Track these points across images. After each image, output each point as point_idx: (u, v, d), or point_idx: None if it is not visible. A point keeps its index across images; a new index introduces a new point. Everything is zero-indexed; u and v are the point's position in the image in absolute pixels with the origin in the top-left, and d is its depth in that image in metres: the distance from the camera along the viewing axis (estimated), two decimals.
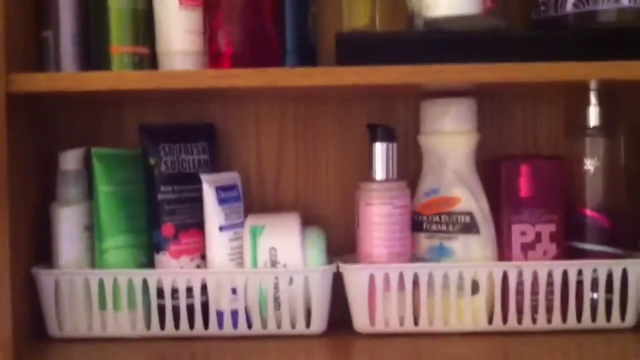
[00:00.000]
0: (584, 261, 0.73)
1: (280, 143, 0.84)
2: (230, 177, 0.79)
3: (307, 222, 0.80)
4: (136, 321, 0.74)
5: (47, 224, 0.76)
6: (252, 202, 0.83)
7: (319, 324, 0.74)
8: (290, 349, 0.72)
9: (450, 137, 0.76)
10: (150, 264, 0.77)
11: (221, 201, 0.75)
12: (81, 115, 0.84)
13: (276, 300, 0.73)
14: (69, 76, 0.71)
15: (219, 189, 0.75)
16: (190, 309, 0.74)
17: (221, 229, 0.74)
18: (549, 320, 0.73)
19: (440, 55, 0.68)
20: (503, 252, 0.75)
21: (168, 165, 0.77)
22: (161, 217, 0.76)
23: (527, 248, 0.74)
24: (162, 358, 0.70)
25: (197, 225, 0.76)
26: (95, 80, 0.69)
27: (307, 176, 0.84)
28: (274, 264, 0.73)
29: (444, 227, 0.75)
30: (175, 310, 0.74)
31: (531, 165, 0.75)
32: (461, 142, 0.76)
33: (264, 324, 0.74)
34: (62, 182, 0.77)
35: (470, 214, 0.74)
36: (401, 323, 0.74)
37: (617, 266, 0.73)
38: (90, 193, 0.76)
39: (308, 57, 0.77)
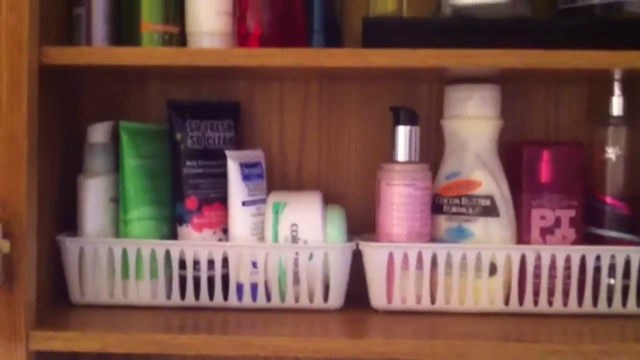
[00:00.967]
0: (603, 247, 0.74)
1: (303, 122, 0.85)
2: (254, 154, 0.80)
3: (328, 200, 0.82)
4: (157, 290, 0.76)
5: (71, 194, 0.77)
6: (275, 180, 0.84)
7: (336, 299, 0.75)
8: (307, 322, 0.73)
9: (473, 122, 0.77)
10: (172, 236, 0.78)
11: (245, 177, 0.76)
12: (106, 90, 0.85)
13: (295, 275, 0.74)
14: (99, 50, 0.73)
15: (243, 166, 0.77)
16: (211, 280, 0.75)
17: (244, 204, 0.76)
18: (565, 304, 0.74)
19: (467, 41, 0.69)
20: (522, 235, 0.75)
21: (194, 141, 0.78)
22: (185, 191, 0.77)
23: (546, 232, 0.75)
24: (182, 326, 0.71)
25: (221, 199, 0.77)
26: (128, 56, 0.70)
27: (329, 155, 0.85)
28: (294, 239, 0.74)
29: (464, 210, 0.76)
30: (196, 282, 0.75)
31: (552, 151, 0.75)
32: (484, 127, 0.77)
33: (283, 298, 0.75)
34: (90, 154, 0.78)
35: (490, 197, 0.75)
36: (418, 301, 0.75)
37: (635, 253, 0.73)
38: (116, 166, 0.78)
39: (334, 38, 0.78)
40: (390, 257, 0.74)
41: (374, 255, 0.74)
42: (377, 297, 0.75)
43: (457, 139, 0.77)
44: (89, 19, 0.75)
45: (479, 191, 0.75)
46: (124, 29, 0.75)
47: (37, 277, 0.70)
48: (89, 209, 0.76)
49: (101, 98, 0.85)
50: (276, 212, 0.75)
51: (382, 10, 0.76)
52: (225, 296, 0.75)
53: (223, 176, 0.76)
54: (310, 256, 0.74)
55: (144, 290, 0.75)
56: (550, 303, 0.74)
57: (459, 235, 0.76)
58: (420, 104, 0.83)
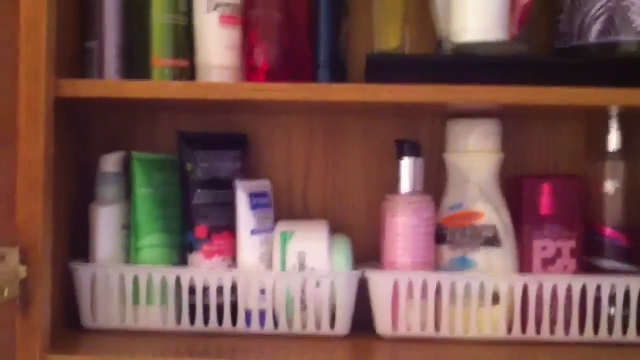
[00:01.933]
0: (603, 277, 0.76)
1: (308, 155, 0.87)
2: (262, 184, 0.82)
3: (334, 230, 0.83)
4: (167, 316, 0.77)
5: (84, 221, 0.79)
6: (281, 210, 0.86)
7: (343, 326, 0.77)
8: (314, 348, 0.74)
9: (475, 156, 0.79)
10: (182, 263, 0.80)
11: (254, 207, 0.78)
12: (117, 121, 0.87)
13: (303, 302, 0.76)
14: (114, 84, 0.75)
15: (252, 196, 0.78)
16: (220, 307, 0.76)
17: (252, 232, 0.78)
18: (567, 332, 0.76)
19: (468, 78, 0.71)
20: (524, 265, 0.77)
21: (203, 171, 0.80)
22: (195, 220, 0.79)
23: (547, 263, 0.77)
24: (191, 351, 0.72)
25: (229, 228, 0.79)
26: (141, 89, 0.72)
27: (334, 187, 0.87)
28: (302, 267, 0.76)
29: (467, 240, 0.78)
30: (206, 308, 0.76)
31: (552, 184, 0.78)
32: (485, 160, 0.79)
33: (290, 324, 0.77)
34: (102, 183, 0.80)
35: (492, 227, 0.77)
36: (423, 329, 0.76)
37: (635, 283, 0.75)
38: (127, 194, 0.80)
39: (339, 72, 0.79)
40: (396, 285, 0.76)
41: (380, 283, 0.76)
42: (383, 324, 0.77)
43: (460, 171, 0.79)
44: (101, 52, 0.77)
45: (481, 222, 0.77)
46: (135, 63, 0.77)
47: (51, 302, 0.71)
48: (101, 236, 0.78)
49: (112, 129, 0.87)
50: (284, 240, 0.77)
51: (386, 46, 0.79)
52: (234, 322, 0.77)
53: (231, 205, 0.78)
54: (318, 284, 0.76)
55: (154, 316, 0.77)
56: (552, 331, 0.76)
57: (462, 264, 0.77)
58: (421, 138, 0.85)
